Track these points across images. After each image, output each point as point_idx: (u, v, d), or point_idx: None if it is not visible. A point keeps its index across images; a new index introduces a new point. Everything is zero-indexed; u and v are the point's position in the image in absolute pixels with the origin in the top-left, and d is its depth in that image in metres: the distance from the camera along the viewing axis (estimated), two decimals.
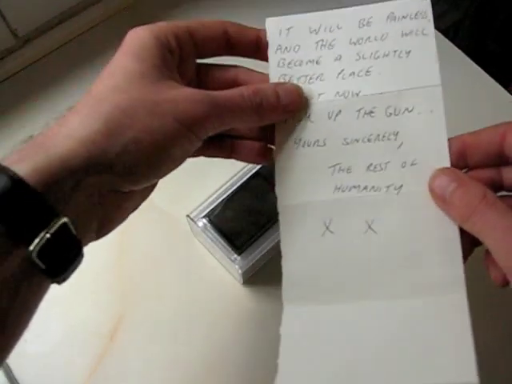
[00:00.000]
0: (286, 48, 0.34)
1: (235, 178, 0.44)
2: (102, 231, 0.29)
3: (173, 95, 0.28)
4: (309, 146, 0.33)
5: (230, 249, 0.41)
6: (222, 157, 0.36)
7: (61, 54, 0.56)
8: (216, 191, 0.44)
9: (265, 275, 0.44)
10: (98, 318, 0.43)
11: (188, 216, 0.43)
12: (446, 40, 0.56)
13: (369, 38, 0.33)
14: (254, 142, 0.35)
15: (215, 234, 0.42)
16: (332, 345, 0.30)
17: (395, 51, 0.33)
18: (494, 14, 0.93)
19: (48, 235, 0.24)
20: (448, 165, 0.31)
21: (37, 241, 0.24)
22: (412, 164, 0.31)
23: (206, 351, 0.42)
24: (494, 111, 0.52)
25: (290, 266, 0.32)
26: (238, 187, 0.44)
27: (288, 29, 0.34)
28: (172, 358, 0.42)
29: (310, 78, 0.33)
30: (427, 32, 0.33)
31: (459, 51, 0.55)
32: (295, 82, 0.33)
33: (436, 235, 0.30)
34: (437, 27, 0.57)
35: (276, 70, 0.34)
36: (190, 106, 0.28)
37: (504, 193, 0.31)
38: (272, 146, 0.35)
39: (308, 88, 0.33)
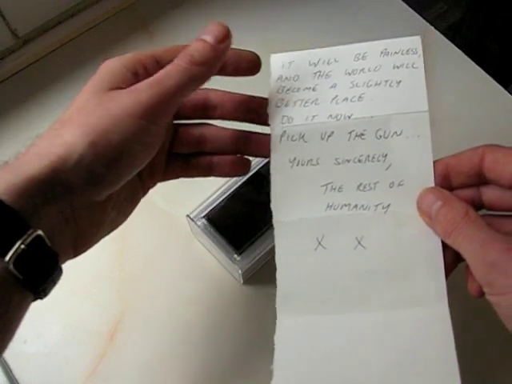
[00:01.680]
0: (287, 78, 0.36)
1: (235, 178, 0.44)
2: (78, 248, 0.30)
3: (120, 94, 0.30)
4: (302, 165, 0.34)
5: (230, 249, 0.42)
6: (203, 175, 0.37)
7: (61, 54, 0.56)
8: (216, 191, 0.44)
9: (265, 275, 0.44)
10: (98, 318, 0.43)
11: (188, 216, 0.43)
12: (446, 40, 0.56)
13: (363, 69, 0.36)
14: (231, 156, 0.37)
15: (215, 234, 0.42)
16: (323, 353, 0.32)
17: (386, 81, 0.35)
18: (494, 14, 0.93)
19: (23, 246, 0.25)
20: (433, 186, 0.33)
21: (12, 251, 0.25)
22: (399, 185, 0.34)
23: (206, 351, 0.42)
24: (494, 111, 0.52)
25: (284, 278, 0.33)
26: (238, 187, 0.44)
27: (290, 62, 0.37)
28: (172, 357, 0.42)
29: (306, 102, 0.35)
30: (417, 65, 0.35)
31: (459, 51, 0.55)
32: (291, 104, 0.36)
33: (420, 251, 0.33)
34: (437, 27, 0.57)
35: (274, 95, 0.36)
36: (134, 97, 0.29)
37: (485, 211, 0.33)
38: (248, 157, 0.37)
39: (303, 110, 0.35)
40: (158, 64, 0.33)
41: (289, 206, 0.34)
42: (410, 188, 0.33)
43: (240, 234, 0.42)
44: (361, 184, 0.34)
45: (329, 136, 0.35)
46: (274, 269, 0.44)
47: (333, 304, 0.33)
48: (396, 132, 0.34)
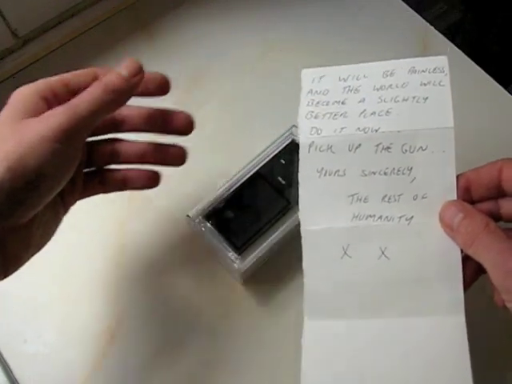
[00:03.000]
0: (317, 91, 0.38)
1: (235, 177, 0.44)
2: (8, 269, 0.32)
3: (34, 121, 0.31)
4: (330, 175, 0.36)
5: (230, 249, 0.42)
6: (119, 190, 0.39)
7: (61, 53, 0.56)
8: (216, 191, 0.44)
9: (265, 275, 0.44)
10: (98, 317, 0.43)
11: (188, 216, 0.43)
12: (446, 40, 0.56)
13: (391, 85, 0.37)
14: (141, 171, 0.39)
15: (215, 234, 0.42)
16: (346, 354, 0.34)
17: (414, 97, 0.36)
18: (494, 13, 0.93)
19: None
20: (455, 197, 0.34)
21: None
22: (423, 197, 0.35)
23: (206, 351, 0.42)
24: (494, 111, 0.52)
25: (310, 284, 0.35)
26: (238, 187, 0.44)
27: (320, 77, 0.38)
28: (172, 358, 0.42)
29: (335, 115, 0.36)
30: (444, 83, 0.36)
31: (459, 51, 0.55)
32: (320, 117, 0.37)
33: (441, 262, 0.34)
34: (437, 27, 0.57)
35: (305, 108, 0.37)
36: (48, 122, 0.31)
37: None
38: (157, 171, 0.39)
39: (331, 122, 0.36)
40: (68, 88, 0.34)
41: (316, 216, 0.35)
42: (433, 201, 0.34)
43: (240, 233, 0.42)
44: (386, 196, 0.35)
45: (356, 148, 0.36)
46: (274, 269, 0.45)
47: (356, 310, 0.35)
48: (421, 147, 0.35)
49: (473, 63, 0.55)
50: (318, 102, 0.37)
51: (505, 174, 0.33)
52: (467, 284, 0.33)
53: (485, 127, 0.51)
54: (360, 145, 0.36)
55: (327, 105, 0.37)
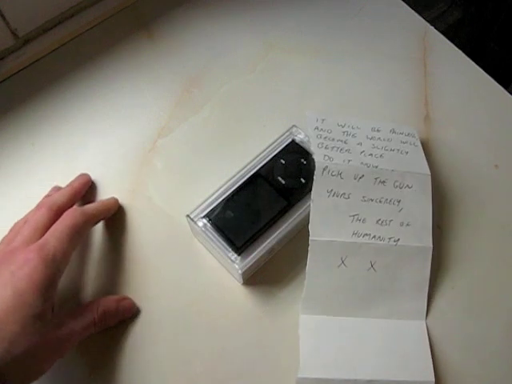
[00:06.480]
0: (322, 129, 0.45)
1: (235, 177, 0.44)
2: None
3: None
4: (337, 196, 0.42)
5: (229, 249, 0.42)
6: None
7: (61, 54, 0.56)
8: (216, 191, 0.44)
9: (265, 275, 0.44)
10: None
11: (188, 216, 0.43)
12: (446, 40, 0.56)
13: (379, 138, 0.46)
14: None
15: (215, 234, 0.42)
16: (334, 343, 0.41)
17: (398, 149, 0.46)
18: (494, 14, 0.93)
19: None
20: (430, 230, 0.43)
21: None
22: (407, 225, 0.43)
23: (206, 351, 0.42)
24: (494, 111, 0.52)
25: (310, 285, 0.42)
26: (238, 187, 0.44)
27: (322, 120, 0.46)
28: (172, 358, 0.42)
29: (341, 150, 0.44)
30: (417, 144, 0.47)
31: (459, 51, 0.55)
32: (330, 148, 0.44)
33: (413, 279, 0.43)
34: (437, 27, 0.57)
35: (315, 139, 0.44)
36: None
37: None
38: None
39: (339, 155, 0.43)
40: None
41: (323, 229, 0.41)
42: (415, 228, 0.43)
43: (240, 234, 0.42)
44: (379, 219, 0.42)
45: (360, 178, 0.43)
46: (274, 269, 0.45)
47: (344, 309, 0.42)
48: (408, 185, 0.44)
49: (473, 63, 0.55)
50: (325, 137, 0.44)
51: None
52: None
53: (485, 127, 0.51)
54: (363, 175, 0.43)
55: (333, 140, 0.44)
